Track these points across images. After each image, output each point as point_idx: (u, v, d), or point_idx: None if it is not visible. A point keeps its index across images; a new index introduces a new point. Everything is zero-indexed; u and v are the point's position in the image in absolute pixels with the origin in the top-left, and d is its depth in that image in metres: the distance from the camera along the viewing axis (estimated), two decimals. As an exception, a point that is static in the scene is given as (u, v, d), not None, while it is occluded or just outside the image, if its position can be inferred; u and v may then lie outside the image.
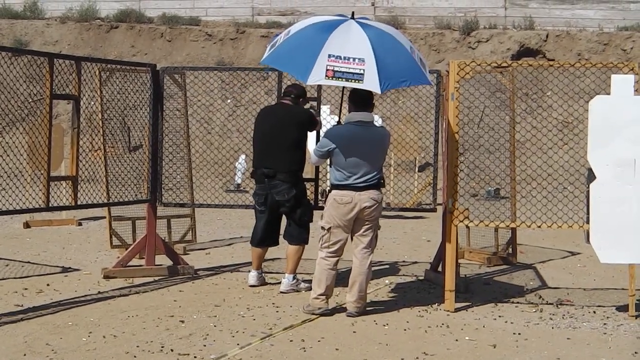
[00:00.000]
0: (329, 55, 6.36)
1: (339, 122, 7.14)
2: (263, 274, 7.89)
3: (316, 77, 6.39)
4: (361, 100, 6.71)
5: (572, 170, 10.87)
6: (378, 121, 12.40)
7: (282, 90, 7.89)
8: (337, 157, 6.63)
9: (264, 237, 7.69)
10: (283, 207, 7.53)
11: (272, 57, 6.80)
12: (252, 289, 7.66)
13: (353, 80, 6.35)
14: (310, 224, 7.69)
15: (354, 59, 6.35)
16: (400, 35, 6.80)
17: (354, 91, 6.71)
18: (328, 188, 6.85)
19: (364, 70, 6.31)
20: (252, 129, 7.73)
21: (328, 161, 6.97)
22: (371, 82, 6.31)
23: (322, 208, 6.97)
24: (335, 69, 6.34)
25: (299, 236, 7.58)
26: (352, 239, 6.76)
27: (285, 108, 7.61)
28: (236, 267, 8.85)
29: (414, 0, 21.62)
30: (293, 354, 5.61)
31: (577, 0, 21.07)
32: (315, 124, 7.70)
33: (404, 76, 6.51)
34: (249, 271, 7.85)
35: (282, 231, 7.78)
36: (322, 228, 6.71)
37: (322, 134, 7.35)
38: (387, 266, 9.16)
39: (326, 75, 6.35)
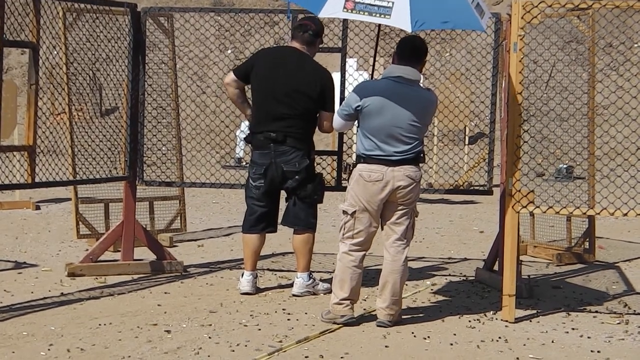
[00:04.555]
0: None
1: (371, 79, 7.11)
2: (258, 278, 7.82)
3: (332, 9, 6.40)
4: (410, 50, 6.69)
5: (668, 142, 10.81)
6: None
7: (294, 26, 7.81)
8: (367, 120, 6.61)
9: (261, 218, 7.62)
10: (291, 180, 7.49)
11: None
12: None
13: (378, 15, 6.34)
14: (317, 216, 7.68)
15: None
16: None
17: (404, 39, 6.72)
18: (353, 162, 6.84)
19: (393, 3, 6.31)
20: (247, 68, 7.62)
21: (354, 129, 6.95)
22: (400, 19, 6.29)
23: (345, 189, 6.95)
24: None
25: (307, 220, 7.56)
26: (382, 227, 6.76)
27: (302, 59, 7.52)
28: (236, 263, 8.89)
29: None
30: (308, 374, 5.64)
31: None
32: (332, 100, 7.60)
33: (446, 16, 6.49)
34: (242, 274, 7.73)
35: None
36: (344, 212, 6.71)
37: (347, 94, 7.33)
38: (428, 263, 9.17)
39: (345, 7, 6.36)
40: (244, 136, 7.86)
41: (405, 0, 6.32)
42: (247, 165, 8.25)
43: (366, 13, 6.36)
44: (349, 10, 6.38)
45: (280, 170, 7.45)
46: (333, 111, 7.42)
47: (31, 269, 8.58)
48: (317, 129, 7.60)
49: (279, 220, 7.74)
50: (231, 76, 7.64)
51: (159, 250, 8.53)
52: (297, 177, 7.45)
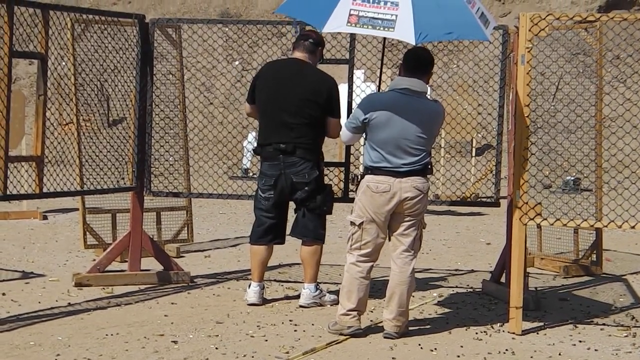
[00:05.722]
0: None
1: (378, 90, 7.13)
2: (265, 289, 7.81)
3: (336, 24, 6.45)
4: (416, 62, 6.70)
5: (676, 155, 10.79)
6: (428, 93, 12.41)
7: (296, 37, 7.85)
8: (374, 132, 6.62)
9: (269, 230, 7.63)
10: (300, 192, 7.50)
11: (287, 4, 6.96)
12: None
13: (381, 28, 6.39)
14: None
15: (385, 3, 6.39)
16: None
17: (410, 51, 6.73)
18: (360, 173, 6.84)
19: (396, 16, 6.34)
20: (253, 89, 7.65)
21: (361, 140, 6.97)
22: (404, 31, 6.34)
23: (353, 200, 6.96)
24: (361, 14, 6.39)
25: (316, 231, 7.56)
26: (389, 239, 6.76)
27: (304, 68, 7.53)
28: (243, 273, 8.89)
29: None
30: (315, 385, 5.65)
31: None
32: (338, 106, 7.62)
33: (450, 27, 6.51)
34: (249, 285, 7.73)
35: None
36: (352, 224, 6.71)
37: (355, 105, 7.34)
38: (435, 275, 9.16)
39: (348, 22, 6.41)
40: (252, 147, 7.88)
41: (409, 12, 6.35)
42: (254, 176, 8.28)
43: (370, 27, 6.41)
44: (353, 25, 6.43)
45: (290, 181, 7.45)
46: (339, 117, 7.45)
47: (38, 278, 8.59)
48: (325, 137, 7.62)
49: (287, 232, 7.74)
50: (247, 106, 7.81)
51: (165, 261, 8.53)
52: (306, 188, 7.46)
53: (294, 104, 7.42)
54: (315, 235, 7.57)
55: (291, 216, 7.69)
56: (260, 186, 7.61)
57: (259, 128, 7.69)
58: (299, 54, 7.60)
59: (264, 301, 7.65)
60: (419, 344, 6.50)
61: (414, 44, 6.36)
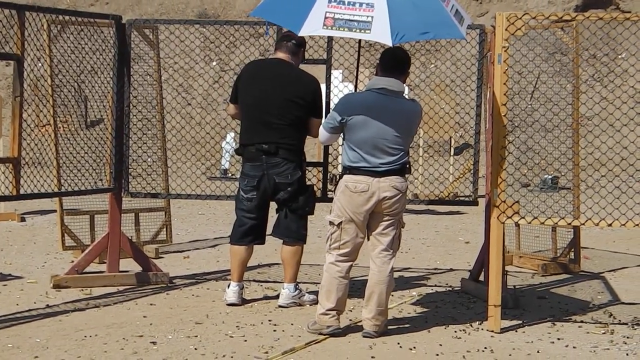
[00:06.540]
0: (330, 0, 6.41)
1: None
2: (244, 289, 7.81)
3: (312, 27, 6.45)
4: (392, 62, 6.71)
5: (653, 153, 10.84)
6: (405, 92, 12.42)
7: (278, 37, 7.84)
8: (352, 132, 6.63)
9: (250, 231, 7.62)
10: (283, 192, 7.50)
11: (262, 6, 6.93)
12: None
13: (358, 30, 6.39)
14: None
15: (360, 4, 6.40)
16: None
17: (386, 51, 6.74)
18: (339, 173, 6.85)
19: (372, 17, 6.35)
20: (235, 87, 7.64)
21: (340, 140, 6.98)
22: (380, 33, 6.35)
23: (331, 200, 6.97)
24: (337, 16, 6.39)
25: (298, 232, 7.57)
26: (368, 238, 6.77)
27: (288, 68, 7.53)
28: (222, 274, 8.88)
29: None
30: (294, 385, 5.64)
31: None
32: (321, 107, 7.63)
33: (426, 27, 6.52)
34: (228, 285, 7.71)
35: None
36: (331, 223, 6.72)
37: (332, 106, 7.34)
38: (414, 274, 9.17)
39: (324, 24, 6.41)
40: (230, 148, 7.87)
41: (385, 14, 6.36)
42: (233, 176, 8.28)
43: (346, 29, 6.41)
44: (329, 27, 6.43)
45: (272, 182, 7.44)
46: (322, 117, 7.45)
47: (16, 281, 8.55)
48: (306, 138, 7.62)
49: (268, 232, 7.73)
50: (230, 107, 7.76)
51: (144, 262, 8.51)
52: (289, 189, 7.45)
53: (277, 105, 7.41)
54: (298, 235, 7.57)
55: (271, 216, 7.69)
56: (243, 187, 7.60)
57: (241, 128, 7.67)
58: (281, 55, 7.60)
59: (243, 301, 7.64)
60: (398, 343, 6.50)
61: (390, 45, 6.37)
